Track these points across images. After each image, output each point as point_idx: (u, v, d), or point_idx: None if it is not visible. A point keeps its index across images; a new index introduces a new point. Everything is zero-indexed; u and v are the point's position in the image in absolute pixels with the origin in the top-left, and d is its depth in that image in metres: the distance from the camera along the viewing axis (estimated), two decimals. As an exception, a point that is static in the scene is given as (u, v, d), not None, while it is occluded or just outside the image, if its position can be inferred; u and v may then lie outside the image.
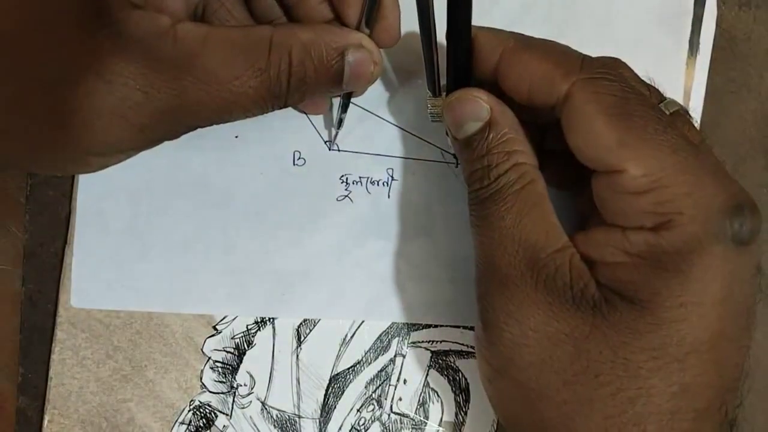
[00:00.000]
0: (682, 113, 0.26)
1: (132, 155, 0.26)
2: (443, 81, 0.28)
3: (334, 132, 0.31)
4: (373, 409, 0.32)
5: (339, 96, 0.30)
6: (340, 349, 0.32)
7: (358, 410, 0.32)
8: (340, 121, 0.31)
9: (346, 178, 0.32)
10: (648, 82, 0.27)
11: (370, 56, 0.26)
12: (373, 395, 0.32)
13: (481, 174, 0.25)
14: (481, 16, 0.32)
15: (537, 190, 0.25)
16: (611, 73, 0.25)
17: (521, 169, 0.25)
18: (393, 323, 0.32)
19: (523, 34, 0.27)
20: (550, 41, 0.26)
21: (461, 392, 0.32)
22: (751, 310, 0.24)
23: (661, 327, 0.22)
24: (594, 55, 0.26)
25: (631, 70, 0.27)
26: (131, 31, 0.22)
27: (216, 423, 0.31)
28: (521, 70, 0.25)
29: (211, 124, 0.25)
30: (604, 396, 0.23)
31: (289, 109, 0.30)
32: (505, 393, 0.25)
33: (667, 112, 0.25)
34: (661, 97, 0.26)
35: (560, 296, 0.23)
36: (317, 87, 0.26)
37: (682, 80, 0.33)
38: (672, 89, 0.33)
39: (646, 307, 0.22)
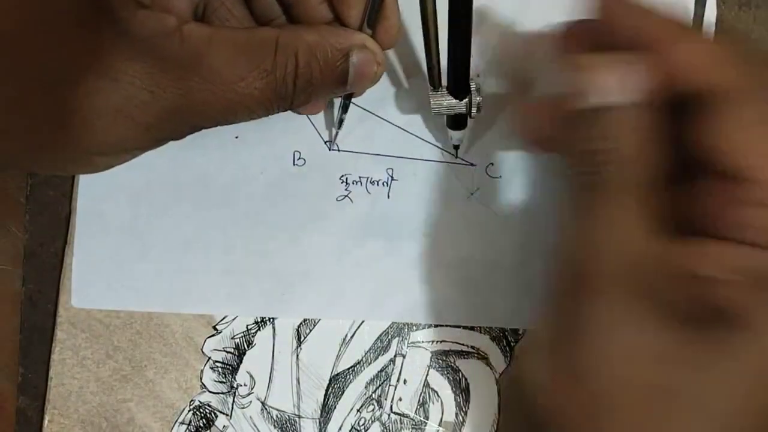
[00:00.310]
0: None
1: (137, 155, 0.26)
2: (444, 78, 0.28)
3: (334, 132, 0.31)
4: (373, 409, 0.32)
5: (340, 96, 0.30)
6: (340, 349, 0.32)
7: (358, 410, 0.32)
8: (341, 122, 0.31)
9: (346, 178, 0.32)
10: None
11: (374, 57, 0.26)
12: (373, 395, 0.32)
13: (602, 158, 0.22)
14: (480, 14, 0.32)
15: (652, 187, 0.22)
16: None
17: (648, 162, 0.22)
18: (393, 323, 0.32)
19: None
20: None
21: (461, 392, 0.32)
22: None
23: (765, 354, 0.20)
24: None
25: None
26: (137, 30, 0.22)
27: (216, 423, 0.32)
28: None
29: (216, 125, 0.25)
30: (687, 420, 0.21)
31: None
32: (574, 403, 0.23)
33: None
34: None
35: (662, 311, 0.21)
36: (322, 88, 0.26)
37: (682, 80, 0.33)
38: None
39: (756, 332, 0.21)
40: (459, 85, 0.27)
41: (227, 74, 0.24)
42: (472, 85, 0.28)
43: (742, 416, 0.21)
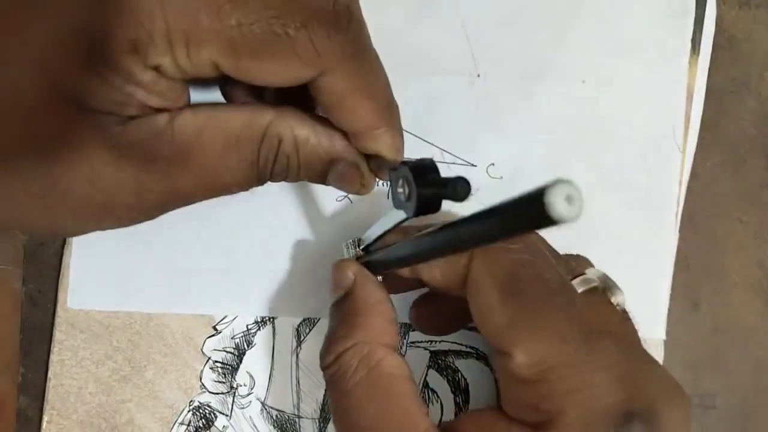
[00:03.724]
0: (601, 290, 0.24)
1: None
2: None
3: None
4: (372, 409, 0.31)
5: None
6: (339, 349, 0.32)
7: (357, 410, 0.31)
8: None
9: (346, 178, 0.32)
10: (560, 254, 0.25)
11: (360, 179, 0.25)
12: (373, 395, 0.32)
13: (325, 350, 0.24)
14: (481, 15, 0.32)
15: (384, 372, 0.22)
16: (512, 244, 0.23)
17: (361, 350, 0.23)
18: (393, 323, 0.32)
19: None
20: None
21: (461, 392, 0.32)
22: None
23: None
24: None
25: (543, 240, 0.25)
26: (127, 140, 0.22)
27: (216, 423, 0.31)
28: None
29: (194, 203, 0.25)
30: None
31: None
32: None
33: (579, 289, 0.23)
34: (578, 271, 0.24)
35: None
36: (298, 178, 0.25)
37: (685, 79, 0.33)
38: (674, 89, 0.33)
39: None
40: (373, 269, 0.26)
41: (215, 167, 0.23)
42: None
43: None
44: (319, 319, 0.32)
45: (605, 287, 0.24)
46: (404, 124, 0.32)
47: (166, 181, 0.23)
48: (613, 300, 0.23)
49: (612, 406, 0.20)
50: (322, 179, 0.25)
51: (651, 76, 0.33)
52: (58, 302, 0.31)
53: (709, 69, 0.33)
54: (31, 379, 0.31)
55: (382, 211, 0.31)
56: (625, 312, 0.24)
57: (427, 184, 0.19)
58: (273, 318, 0.32)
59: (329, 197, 0.32)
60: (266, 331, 0.32)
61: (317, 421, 0.31)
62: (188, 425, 0.31)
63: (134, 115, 0.22)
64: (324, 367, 0.24)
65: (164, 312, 0.31)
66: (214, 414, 0.31)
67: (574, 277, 0.23)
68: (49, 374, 0.31)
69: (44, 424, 0.31)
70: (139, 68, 0.21)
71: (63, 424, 0.31)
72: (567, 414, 0.20)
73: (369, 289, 0.24)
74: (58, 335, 0.31)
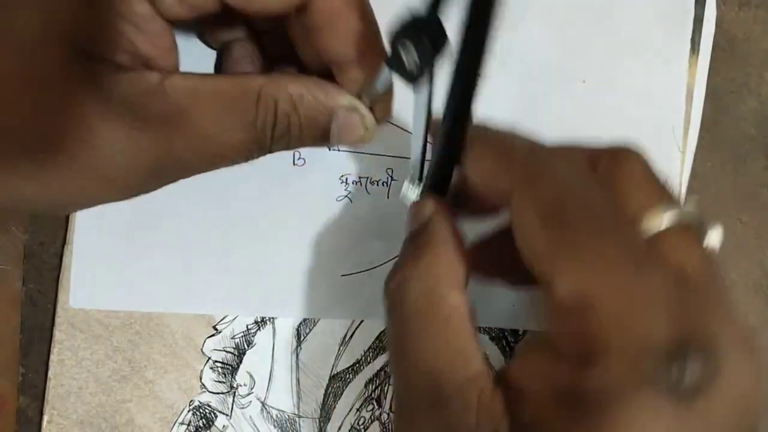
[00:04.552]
0: (694, 228, 0.21)
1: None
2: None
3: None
4: (372, 409, 0.32)
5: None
6: (339, 349, 0.32)
7: (357, 409, 0.32)
8: None
9: (346, 178, 0.32)
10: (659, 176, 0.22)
11: (362, 121, 0.25)
12: (373, 395, 0.32)
13: (391, 275, 0.23)
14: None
15: (446, 305, 0.22)
16: (558, 166, 0.21)
17: (426, 281, 0.22)
18: (393, 323, 0.32)
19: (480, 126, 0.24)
20: (506, 129, 0.23)
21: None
22: None
23: None
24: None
25: (640, 166, 0.22)
26: (119, 94, 0.22)
27: (216, 423, 0.31)
28: (474, 166, 0.23)
29: (195, 174, 0.25)
30: None
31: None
32: None
33: (661, 222, 0.20)
34: (666, 204, 0.21)
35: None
36: (301, 140, 0.25)
37: (685, 79, 0.33)
38: (674, 89, 0.33)
39: None
40: (438, 189, 0.26)
41: (210, 129, 0.23)
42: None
43: None
44: (319, 319, 0.32)
45: (697, 225, 0.21)
46: (405, 125, 0.32)
47: (160, 142, 0.22)
48: (704, 243, 0.21)
49: (666, 335, 0.17)
50: (325, 138, 0.25)
51: (651, 76, 0.33)
52: (58, 302, 0.31)
53: (709, 69, 0.33)
54: (31, 379, 0.31)
55: (381, 209, 0.32)
56: (712, 255, 0.21)
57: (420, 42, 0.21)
58: (273, 318, 0.32)
59: (329, 197, 0.32)
60: (266, 331, 0.32)
61: (317, 421, 0.31)
62: (188, 425, 0.31)
63: (125, 64, 0.22)
64: (387, 291, 0.23)
65: (164, 312, 0.31)
66: (215, 414, 0.31)
67: (657, 211, 0.21)
68: (49, 374, 0.31)
69: (44, 424, 0.31)
70: None
71: (63, 424, 0.31)
72: (612, 344, 0.18)
73: (443, 225, 0.24)
74: (58, 335, 0.31)
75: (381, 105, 0.26)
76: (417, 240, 0.24)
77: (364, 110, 0.25)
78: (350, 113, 0.25)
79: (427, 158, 0.25)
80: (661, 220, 0.20)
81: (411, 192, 0.26)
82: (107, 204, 0.31)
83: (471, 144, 0.23)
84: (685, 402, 0.17)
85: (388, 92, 0.26)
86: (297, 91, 0.24)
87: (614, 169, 0.21)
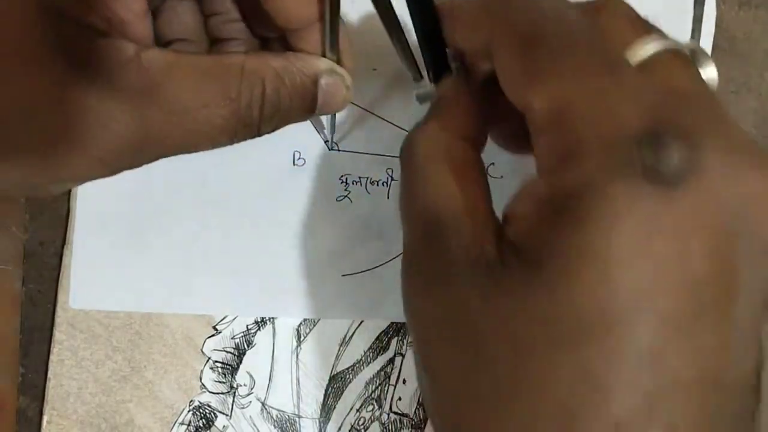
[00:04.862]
0: (677, 55, 0.20)
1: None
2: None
3: (329, 133, 0.31)
4: (372, 409, 0.32)
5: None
6: (339, 349, 0.32)
7: (357, 410, 0.32)
8: (333, 124, 0.31)
9: (346, 179, 0.32)
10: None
11: (342, 80, 0.25)
12: (373, 395, 0.32)
13: (406, 136, 0.23)
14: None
15: (457, 156, 0.22)
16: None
17: (438, 136, 0.22)
18: (392, 323, 0.32)
19: None
20: None
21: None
22: (715, 284, 0.17)
23: (554, 291, 0.17)
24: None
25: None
26: (94, 62, 0.21)
27: (216, 423, 0.31)
28: (455, 34, 0.23)
29: (176, 154, 0.24)
30: (494, 386, 0.18)
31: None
32: (424, 386, 0.22)
33: (655, 48, 0.20)
34: (656, 35, 0.20)
35: (456, 263, 0.19)
36: (290, 114, 0.25)
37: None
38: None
39: (539, 265, 0.17)
40: (437, 73, 0.26)
41: (188, 102, 0.22)
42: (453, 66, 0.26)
43: (553, 382, 0.18)
44: (319, 319, 0.32)
45: (693, 54, 0.20)
46: (404, 125, 0.32)
47: (136, 114, 0.22)
48: (701, 72, 0.20)
49: (640, 124, 0.17)
50: (312, 108, 0.25)
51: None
52: (58, 302, 0.31)
53: (709, 69, 0.33)
54: (31, 379, 0.31)
55: (381, 209, 0.32)
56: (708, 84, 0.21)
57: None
58: (273, 318, 0.32)
59: (329, 197, 0.32)
60: (266, 331, 0.32)
61: (317, 421, 0.31)
62: (188, 425, 0.31)
63: (101, 29, 0.22)
64: (400, 154, 0.23)
65: (164, 312, 0.31)
66: (215, 414, 0.31)
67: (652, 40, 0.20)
68: (49, 374, 0.31)
69: (44, 424, 0.31)
70: None
71: (63, 424, 0.31)
72: (584, 142, 0.17)
73: (454, 88, 0.24)
74: (58, 335, 0.31)
75: (345, 57, 0.26)
76: (430, 108, 0.24)
77: (340, 69, 0.25)
78: (331, 76, 0.25)
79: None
80: (649, 48, 0.20)
81: (421, 88, 0.27)
82: (107, 204, 0.31)
83: (443, 15, 0.23)
84: (664, 190, 0.16)
85: (344, 41, 0.26)
86: (281, 64, 0.24)
87: (598, 8, 0.21)
